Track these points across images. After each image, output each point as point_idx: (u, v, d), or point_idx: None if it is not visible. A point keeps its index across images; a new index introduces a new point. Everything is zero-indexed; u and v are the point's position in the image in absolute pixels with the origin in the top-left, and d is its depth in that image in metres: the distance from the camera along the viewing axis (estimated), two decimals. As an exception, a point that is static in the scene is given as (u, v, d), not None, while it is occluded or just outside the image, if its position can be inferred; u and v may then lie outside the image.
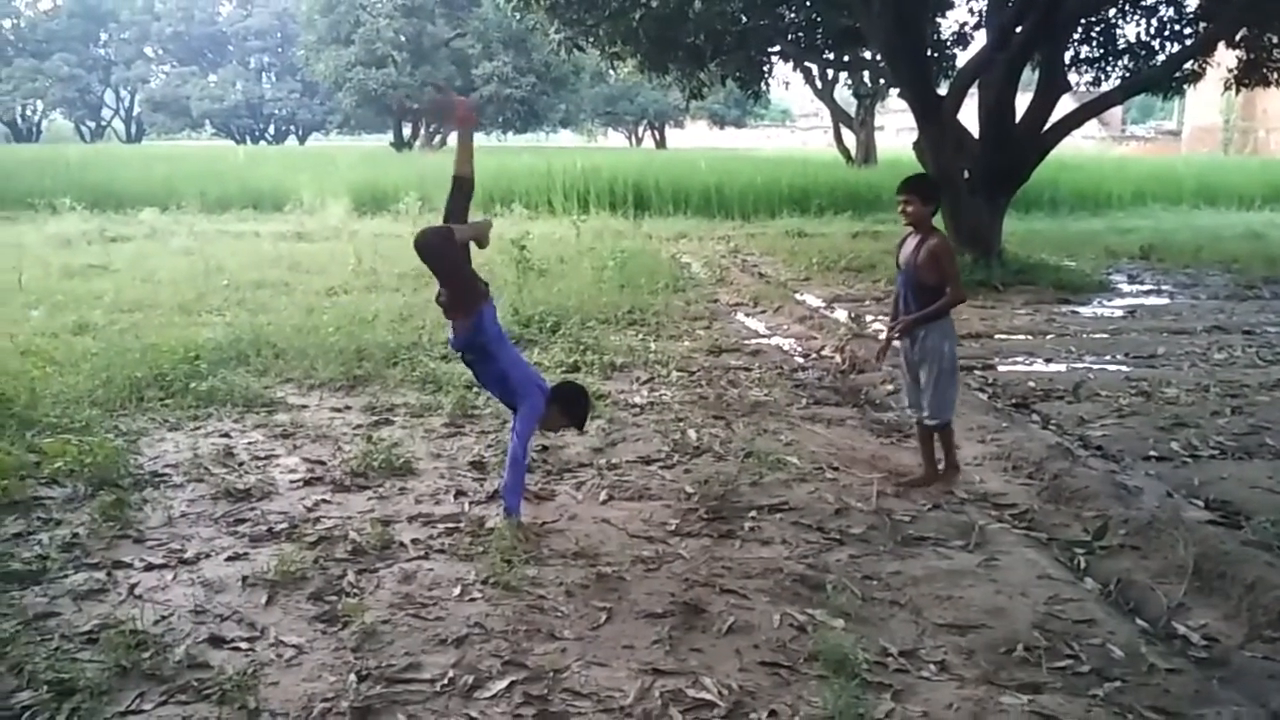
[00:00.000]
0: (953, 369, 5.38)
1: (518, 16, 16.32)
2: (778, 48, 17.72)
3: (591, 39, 15.61)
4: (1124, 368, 8.25)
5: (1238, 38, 13.54)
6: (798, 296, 11.63)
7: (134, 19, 61.18)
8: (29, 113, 62.26)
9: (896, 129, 47.80)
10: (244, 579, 4.14)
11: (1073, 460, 5.69)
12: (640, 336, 9.13)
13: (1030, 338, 9.48)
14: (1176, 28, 14.61)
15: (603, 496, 5.19)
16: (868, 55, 20.26)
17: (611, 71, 18.44)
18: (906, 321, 5.32)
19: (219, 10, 64.23)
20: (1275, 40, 13.67)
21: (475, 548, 4.47)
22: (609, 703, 3.29)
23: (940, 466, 5.49)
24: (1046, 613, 3.95)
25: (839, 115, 32.11)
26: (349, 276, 11.73)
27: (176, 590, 4.06)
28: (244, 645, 3.62)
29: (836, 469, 5.64)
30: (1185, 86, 15.38)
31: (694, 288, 12.10)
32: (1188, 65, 13.89)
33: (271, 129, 63.36)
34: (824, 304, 11.23)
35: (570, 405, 4.97)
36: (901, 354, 5.50)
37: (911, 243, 5.30)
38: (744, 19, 15.07)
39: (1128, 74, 15.08)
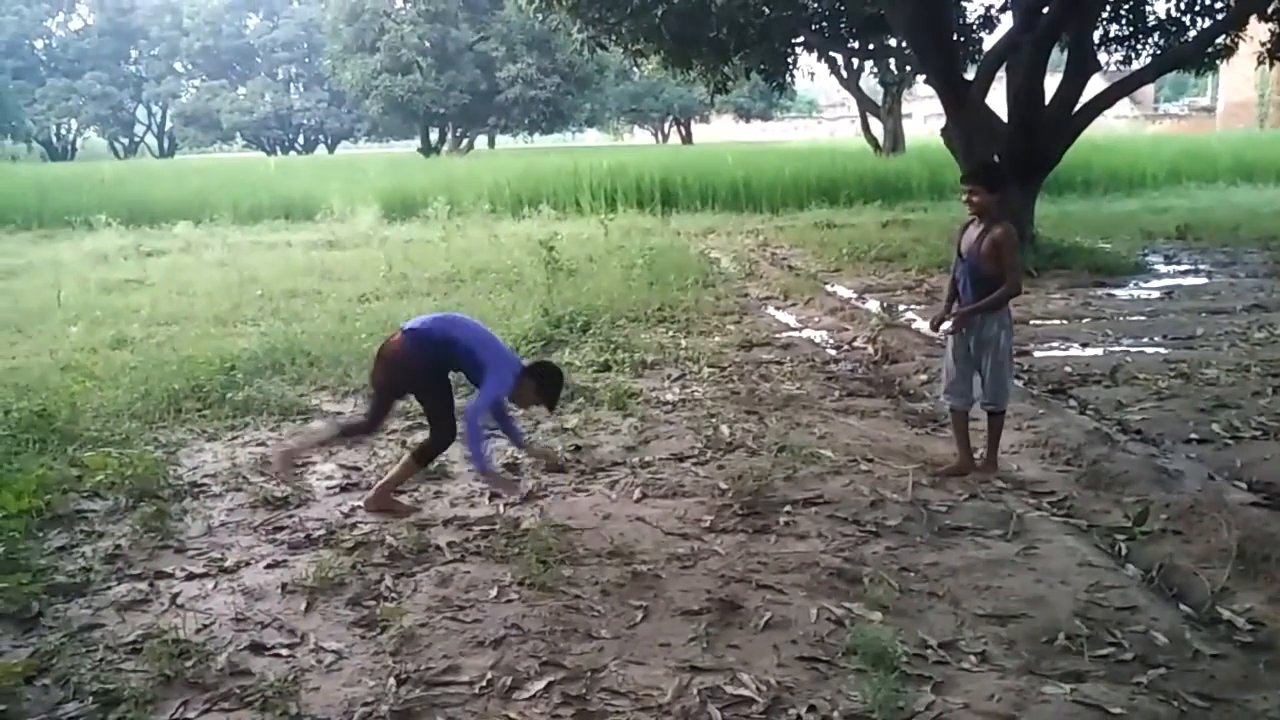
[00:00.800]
0: (1009, 357, 5.38)
1: (540, 18, 16.35)
2: (801, 38, 17.58)
3: (614, 37, 15.59)
4: (1162, 350, 8.13)
5: (1270, 10, 13.27)
6: (828, 288, 11.57)
7: (163, 35, 61.88)
8: (64, 131, 63.18)
9: (925, 116, 47.48)
10: (283, 586, 4.18)
11: (1111, 445, 5.62)
12: (670, 333, 9.13)
13: (1066, 322, 9.37)
14: (1207, 2, 14.36)
15: (637, 495, 5.19)
16: (893, 43, 20.05)
17: (635, 69, 18.46)
18: (963, 313, 5.26)
19: (246, 23, 64.78)
20: (1310, 11, 13.39)
21: (511, 549, 4.49)
22: (647, 701, 3.29)
23: (978, 460, 5.44)
24: (1088, 600, 3.90)
25: (866, 104, 31.88)
26: (380, 283, 11.81)
27: (217, 599, 4.11)
28: (284, 652, 3.66)
29: (871, 461, 5.60)
30: (1218, 62, 15.09)
31: (723, 283, 12.06)
32: (1220, 40, 13.63)
33: (301, 139, 63.89)
34: (855, 295, 11.16)
35: (544, 382, 5.03)
36: (949, 342, 5.44)
37: (974, 231, 5.21)
38: (767, 11, 14.95)
39: (1159, 51, 14.85)
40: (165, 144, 65.93)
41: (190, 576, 4.32)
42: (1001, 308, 5.25)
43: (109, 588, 4.21)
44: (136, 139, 66.50)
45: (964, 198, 5.30)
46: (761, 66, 17.27)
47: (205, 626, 3.85)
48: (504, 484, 5.21)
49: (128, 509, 5.07)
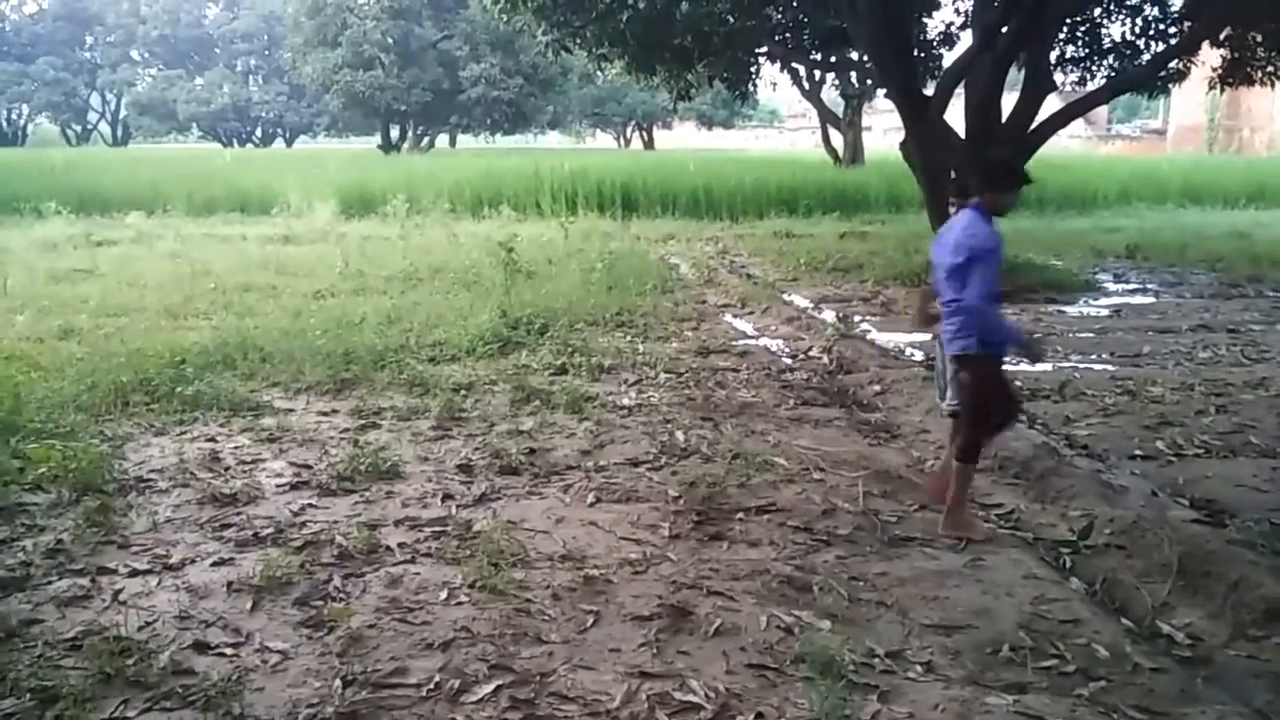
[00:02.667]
0: None
1: (505, 18, 16.26)
2: (765, 49, 17.70)
3: (579, 41, 15.58)
4: (1110, 367, 8.28)
5: (1222, 37, 13.60)
6: (785, 297, 11.64)
7: (119, 22, 60.88)
8: (14, 117, 61.99)
9: (884, 129, 47.87)
10: (229, 584, 4.12)
11: (1059, 460, 5.71)
12: (628, 338, 9.13)
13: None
14: (1161, 27, 14.66)
15: (590, 499, 5.18)
16: (855, 56, 20.29)
17: (599, 73, 18.41)
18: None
19: (205, 13, 63.96)
20: (1259, 39, 13.72)
21: (462, 551, 4.47)
22: (595, 706, 3.29)
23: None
24: (1032, 613, 3.96)
25: (826, 116, 32.14)
26: (336, 279, 11.70)
27: (161, 596, 4.04)
28: (229, 651, 3.61)
29: (823, 470, 5.64)
30: (1170, 86, 15.46)
31: (682, 289, 12.10)
32: (1173, 64, 13.95)
33: (259, 132, 63.16)
34: (811, 304, 11.24)
35: (993, 178, 4.78)
36: (940, 346, 5.46)
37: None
38: (731, 20, 15.05)
39: (1113, 73, 15.13)
40: (119, 132, 64.86)
41: (134, 573, 4.24)
42: None
43: (49, 583, 4.12)
44: (89, 126, 65.40)
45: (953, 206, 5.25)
46: (725, 75, 17.36)
47: (148, 624, 3.79)
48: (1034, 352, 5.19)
49: (71, 503, 4.97)
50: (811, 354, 8.84)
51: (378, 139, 49.01)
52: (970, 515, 4.84)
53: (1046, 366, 8.22)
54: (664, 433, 6.25)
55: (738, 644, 3.70)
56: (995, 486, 5.53)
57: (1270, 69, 14.14)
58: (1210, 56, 14.33)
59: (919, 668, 3.55)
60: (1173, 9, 14.61)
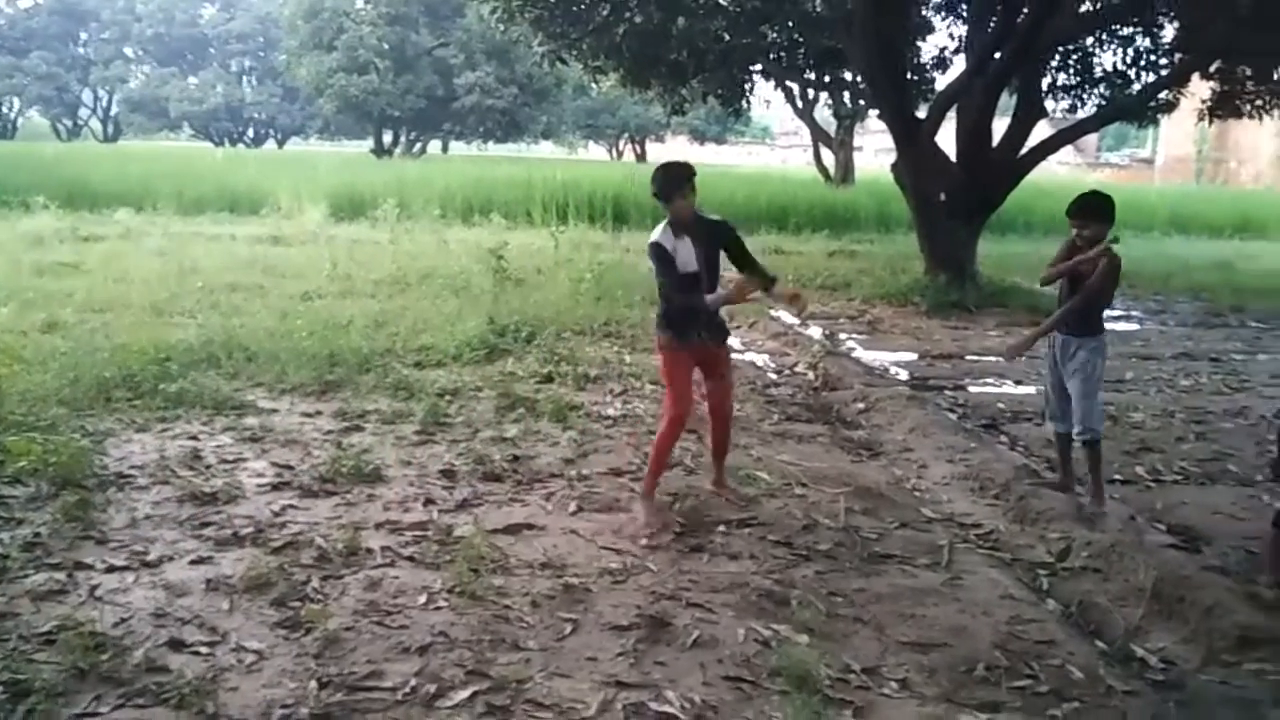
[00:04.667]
0: (1098, 384, 5.35)
1: (501, 28, 16.31)
2: (759, 66, 17.79)
3: (574, 52, 15.64)
4: (1092, 392, 8.32)
5: (1212, 70, 13.75)
6: (772, 313, 11.67)
7: (115, 19, 60.74)
8: (5, 109, 61.71)
9: (875, 150, 48.22)
10: (207, 583, 4.11)
11: (1039, 481, 5.73)
12: (615, 348, 9.14)
13: (1001, 360, 9.53)
14: (1152, 58, 14.80)
15: (572, 507, 5.19)
16: (848, 76, 20.36)
17: (594, 85, 18.46)
18: (1025, 339, 5.64)
19: (201, 13, 63.86)
20: (1248, 73, 13.89)
21: (442, 556, 4.46)
22: (571, 715, 3.29)
23: (1088, 495, 5.43)
24: (1008, 633, 3.98)
25: (818, 134, 32.30)
26: (324, 281, 11.68)
27: (137, 593, 4.02)
28: (204, 650, 3.60)
29: (805, 485, 5.66)
30: (1159, 116, 15.62)
31: (670, 302, 12.08)
32: (1162, 95, 14.09)
33: (251, 132, 63.04)
34: (798, 321, 11.26)
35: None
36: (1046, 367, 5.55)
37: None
38: (726, 37, 15.14)
39: (1103, 102, 15.27)
40: (110, 129, 64.63)
41: (110, 569, 4.22)
42: (1077, 329, 5.29)
43: (25, 576, 4.09)
44: (81, 122, 65.16)
45: (1075, 232, 5.24)
46: (719, 91, 17.45)
47: (123, 620, 3.77)
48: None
49: (49, 497, 4.94)
50: (797, 370, 8.87)
51: (370, 143, 48.97)
52: None
53: (1030, 389, 8.28)
54: (648, 444, 6.25)
55: (715, 656, 3.70)
56: (975, 506, 5.56)
57: (1258, 102, 14.32)
58: (1200, 88, 14.49)
59: (894, 684, 3.57)
60: (1164, 41, 14.77)
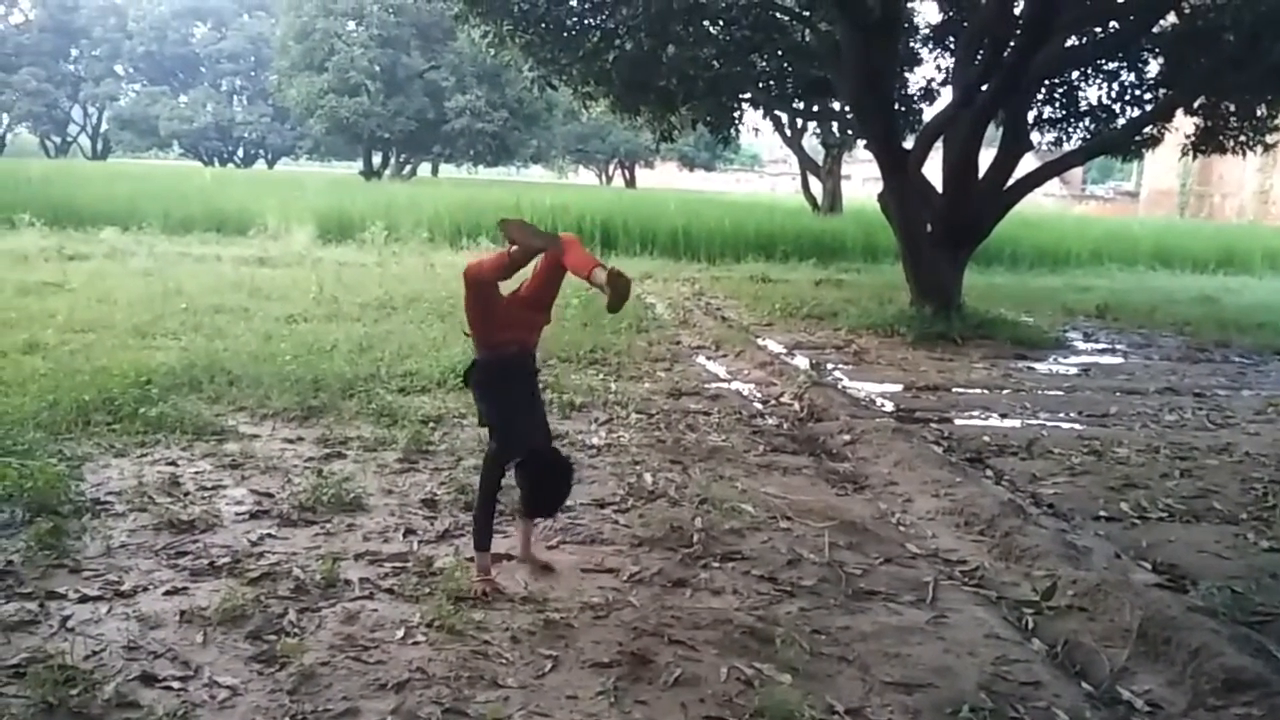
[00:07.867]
0: None
1: (492, 53, 16.33)
2: (748, 95, 17.86)
3: (564, 78, 15.67)
4: (1077, 426, 8.33)
5: (1196, 105, 13.89)
6: (759, 342, 11.66)
7: (106, 36, 60.76)
8: (-8, 125, 61.61)
9: (863, 179, 48.40)
10: (181, 614, 4.03)
11: (1024, 518, 5.70)
12: (601, 376, 9.10)
13: (986, 392, 9.55)
14: (1137, 93, 14.94)
15: (554, 540, 5.13)
16: (836, 106, 20.49)
17: (584, 110, 18.48)
18: None
19: (193, 32, 63.90)
20: (1232, 109, 14.02)
21: (422, 588, 4.40)
22: (549, 755, 3.23)
23: None
24: (994, 673, 3.94)
25: (807, 163, 32.48)
26: (309, 304, 11.62)
27: (110, 624, 3.95)
28: (176, 684, 3.52)
29: (790, 519, 5.62)
30: (1144, 150, 15.72)
31: (657, 329, 12.10)
32: (1147, 130, 14.21)
33: (240, 152, 62.99)
34: (785, 350, 11.27)
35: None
36: None
37: None
38: (716, 65, 15.19)
39: (1089, 135, 15.39)
40: (99, 146, 64.51)
41: (84, 599, 4.15)
42: None
43: (-5, 606, 4.02)
44: (69, 139, 65.01)
45: None
46: (708, 118, 17.48)
47: (95, 653, 3.69)
48: None
49: (23, 523, 4.86)
50: (783, 400, 8.84)
51: (360, 165, 48.99)
52: None
53: (1015, 423, 8.28)
54: (632, 474, 6.22)
55: (697, 695, 3.65)
56: (960, 542, 5.52)
57: (1242, 138, 14.42)
58: (1184, 123, 14.62)
59: (878, 726, 3.52)
60: (1149, 76, 14.92)
